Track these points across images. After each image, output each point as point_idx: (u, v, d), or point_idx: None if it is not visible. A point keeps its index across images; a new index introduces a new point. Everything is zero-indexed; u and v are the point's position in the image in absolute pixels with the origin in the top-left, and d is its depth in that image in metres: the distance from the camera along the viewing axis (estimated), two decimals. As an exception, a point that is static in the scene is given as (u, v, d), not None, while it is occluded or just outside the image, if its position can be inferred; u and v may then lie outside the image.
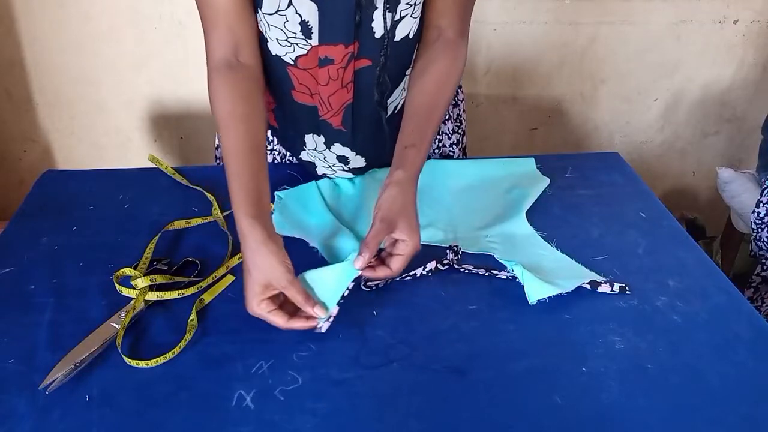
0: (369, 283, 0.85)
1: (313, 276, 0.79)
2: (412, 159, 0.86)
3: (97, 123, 1.86)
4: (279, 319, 0.75)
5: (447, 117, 1.14)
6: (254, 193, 0.79)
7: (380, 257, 0.84)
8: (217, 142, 1.15)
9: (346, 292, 0.79)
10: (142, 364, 0.73)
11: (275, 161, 1.11)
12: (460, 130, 1.18)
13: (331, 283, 0.79)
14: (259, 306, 0.75)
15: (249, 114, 0.85)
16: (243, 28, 0.86)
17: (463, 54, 0.94)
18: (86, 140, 1.89)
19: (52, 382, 0.70)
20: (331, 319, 0.77)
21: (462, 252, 0.91)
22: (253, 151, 0.82)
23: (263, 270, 0.75)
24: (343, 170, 1.04)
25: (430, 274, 0.88)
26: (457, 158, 1.18)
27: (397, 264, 0.81)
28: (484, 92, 1.90)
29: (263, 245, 0.76)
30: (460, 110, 1.17)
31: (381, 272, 0.82)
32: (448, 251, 0.90)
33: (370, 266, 0.81)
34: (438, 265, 0.88)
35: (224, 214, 0.99)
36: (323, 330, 0.76)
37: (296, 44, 0.87)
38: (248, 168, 0.81)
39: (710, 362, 0.75)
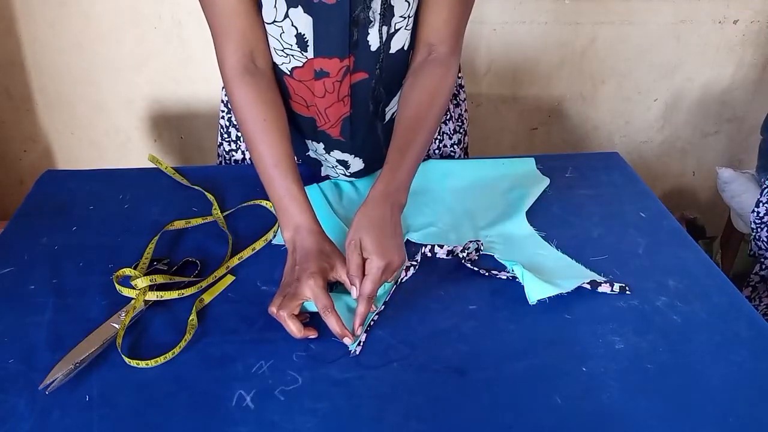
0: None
1: (342, 303, 0.81)
2: (386, 177, 0.84)
3: (97, 123, 1.86)
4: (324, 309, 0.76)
5: (448, 117, 1.15)
6: (304, 199, 0.84)
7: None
8: (219, 140, 1.15)
9: (376, 317, 0.80)
10: (142, 364, 0.73)
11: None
12: (461, 130, 1.18)
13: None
14: (317, 283, 0.76)
15: (281, 119, 0.87)
16: (256, 34, 0.86)
17: (454, 71, 0.92)
18: (86, 140, 1.89)
19: (52, 382, 0.70)
20: (362, 343, 0.77)
21: (481, 252, 0.91)
22: (291, 156, 0.86)
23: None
24: (344, 174, 1.04)
25: (449, 256, 0.89)
26: (458, 158, 1.18)
27: (365, 285, 0.78)
28: (484, 92, 1.90)
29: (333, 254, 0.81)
30: (461, 110, 1.17)
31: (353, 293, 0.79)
32: (471, 244, 0.90)
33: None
34: (458, 252, 0.88)
35: (224, 213, 0.99)
36: (357, 353, 0.76)
37: (292, 56, 0.88)
38: (293, 173, 0.85)
39: (710, 362, 0.75)
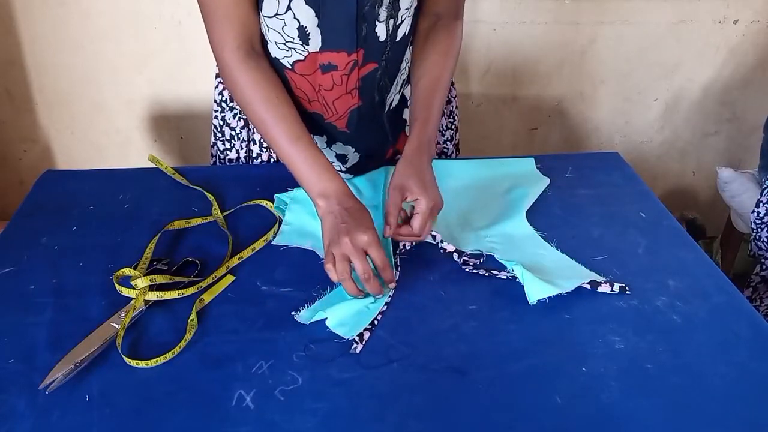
0: (404, 248, 0.89)
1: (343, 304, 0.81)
2: (417, 131, 0.90)
3: (97, 123, 1.86)
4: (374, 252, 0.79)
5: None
6: (332, 168, 0.86)
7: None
8: (212, 140, 1.15)
9: (380, 317, 0.80)
10: (142, 364, 0.73)
11: (271, 159, 1.12)
12: (453, 126, 1.19)
13: (359, 309, 0.81)
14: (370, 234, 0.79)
15: (289, 99, 0.89)
16: (253, 22, 0.88)
17: (460, 32, 0.99)
18: (86, 140, 1.89)
19: (52, 382, 0.70)
20: (363, 343, 0.77)
21: (483, 259, 0.91)
22: (307, 131, 0.88)
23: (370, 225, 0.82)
24: (341, 170, 1.04)
25: (442, 251, 0.89)
26: (451, 154, 1.19)
27: (416, 222, 0.84)
28: (484, 92, 1.90)
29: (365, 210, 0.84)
30: (452, 107, 1.18)
31: (404, 230, 0.85)
32: (472, 251, 0.90)
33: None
34: (455, 254, 0.88)
35: (224, 213, 0.99)
36: (358, 352, 0.76)
37: (294, 49, 0.89)
38: (315, 146, 0.87)
39: (710, 362, 0.75)
